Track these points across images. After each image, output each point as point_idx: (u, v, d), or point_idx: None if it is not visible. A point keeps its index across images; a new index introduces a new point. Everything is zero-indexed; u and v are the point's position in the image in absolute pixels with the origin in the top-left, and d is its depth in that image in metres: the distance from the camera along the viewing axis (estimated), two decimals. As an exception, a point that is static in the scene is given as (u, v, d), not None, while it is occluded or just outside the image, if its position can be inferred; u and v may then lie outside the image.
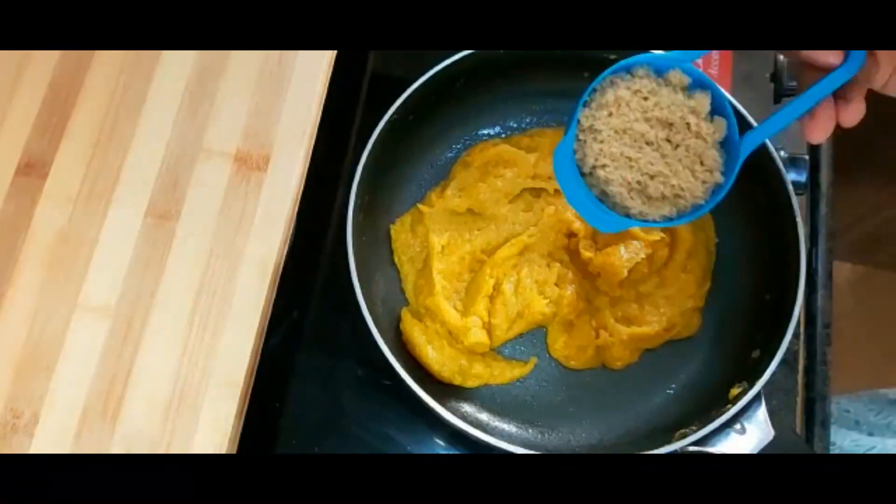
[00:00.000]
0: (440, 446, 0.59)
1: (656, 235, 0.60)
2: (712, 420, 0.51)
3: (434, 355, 0.57)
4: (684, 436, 0.51)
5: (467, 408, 0.58)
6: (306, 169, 0.57)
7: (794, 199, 0.56)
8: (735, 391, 0.53)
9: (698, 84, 0.43)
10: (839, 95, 0.43)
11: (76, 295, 0.51)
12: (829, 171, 0.69)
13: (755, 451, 0.51)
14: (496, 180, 0.62)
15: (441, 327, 0.58)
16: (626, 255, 0.58)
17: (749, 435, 0.51)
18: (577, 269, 0.61)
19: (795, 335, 0.60)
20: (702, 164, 0.44)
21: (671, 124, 0.43)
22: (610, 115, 0.43)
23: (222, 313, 0.52)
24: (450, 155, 0.65)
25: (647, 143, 0.44)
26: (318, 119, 0.58)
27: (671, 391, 0.59)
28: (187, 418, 0.49)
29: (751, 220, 0.61)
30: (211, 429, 0.49)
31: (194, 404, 0.49)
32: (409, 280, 0.61)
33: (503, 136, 0.65)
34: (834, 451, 0.74)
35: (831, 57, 0.41)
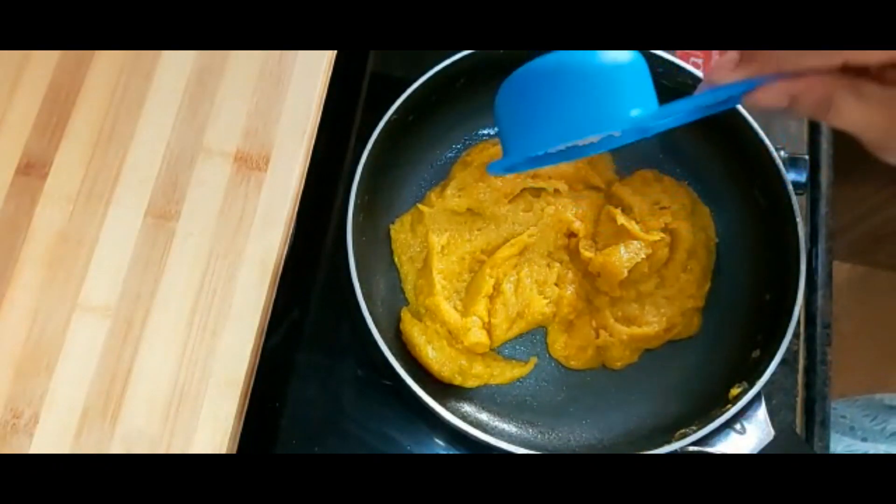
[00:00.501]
0: (440, 446, 0.59)
1: (656, 235, 0.60)
2: (712, 420, 0.51)
3: (434, 355, 0.57)
4: (684, 436, 0.51)
5: (467, 408, 0.58)
6: (306, 169, 0.57)
7: (794, 199, 0.56)
8: (735, 391, 0.53)
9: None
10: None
11: (76, 295, 0.51)
12: (829, 171, 0.69)
13: (755, 452, 0.51)
14: (496, 180, 0.62)
15: (441, 327, 0.58)
16: (626, 255, 0.58)
17: (749, 435, 0.51)
18: (577, 269, 0.61)
19: (795, 335, 0.60)
20: None
21: None
22: None
23: (222, 313, 0.52)
24: (450, 155, 0.65)
25: None
26: (318, 119, 0.58)
27: (671, 391, 0.59)
28: (187, 418, 0.49)
29: (751, 220, 0.61)
30: (211, 429, 0.49)
31: (194, 404, 0.49)
32: (409, 280, 0.61)
33: (503, 135, 0.65)
34: (829, 455, 0.74)
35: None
